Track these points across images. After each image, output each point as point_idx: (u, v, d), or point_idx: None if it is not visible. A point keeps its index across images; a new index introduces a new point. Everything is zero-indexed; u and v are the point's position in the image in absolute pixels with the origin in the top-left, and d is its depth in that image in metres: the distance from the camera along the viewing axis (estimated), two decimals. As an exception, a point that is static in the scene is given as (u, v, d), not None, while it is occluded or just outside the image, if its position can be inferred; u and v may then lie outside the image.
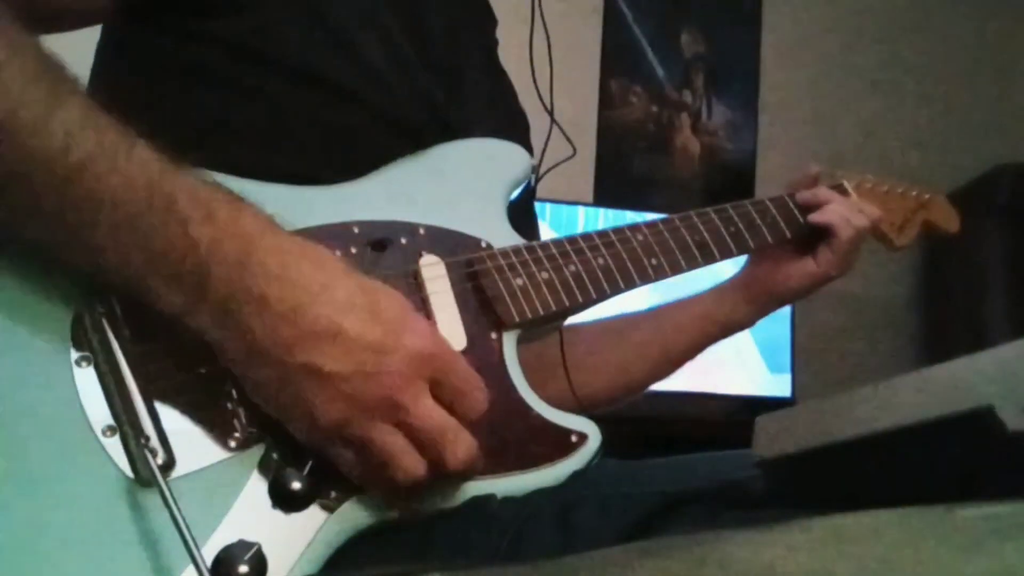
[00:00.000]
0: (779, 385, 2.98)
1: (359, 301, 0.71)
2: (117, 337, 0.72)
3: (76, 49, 0.89)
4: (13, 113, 0.68)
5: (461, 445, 0.73)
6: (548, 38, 1.13)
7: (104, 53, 0.98)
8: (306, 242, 0.74)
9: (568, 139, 1.13)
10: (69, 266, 0.72)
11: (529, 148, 1.09)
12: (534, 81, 1.14)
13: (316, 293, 0.70)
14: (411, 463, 0.71)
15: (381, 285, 0.75)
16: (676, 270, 1.01)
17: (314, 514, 0.72)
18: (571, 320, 1.08)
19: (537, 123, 1.16)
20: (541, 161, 1.12)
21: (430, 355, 0.73)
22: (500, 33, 1.20)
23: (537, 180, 1.09)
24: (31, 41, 0.73)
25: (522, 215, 1.07)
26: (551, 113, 1.14)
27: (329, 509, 0.72)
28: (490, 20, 1.19)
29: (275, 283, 0.70)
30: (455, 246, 0.89)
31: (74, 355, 0.71)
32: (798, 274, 1.14)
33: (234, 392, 0.74)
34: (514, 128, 1.11)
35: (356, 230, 0.86)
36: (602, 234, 0.98)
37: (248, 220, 0.72)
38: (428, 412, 0.72)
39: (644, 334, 1.18)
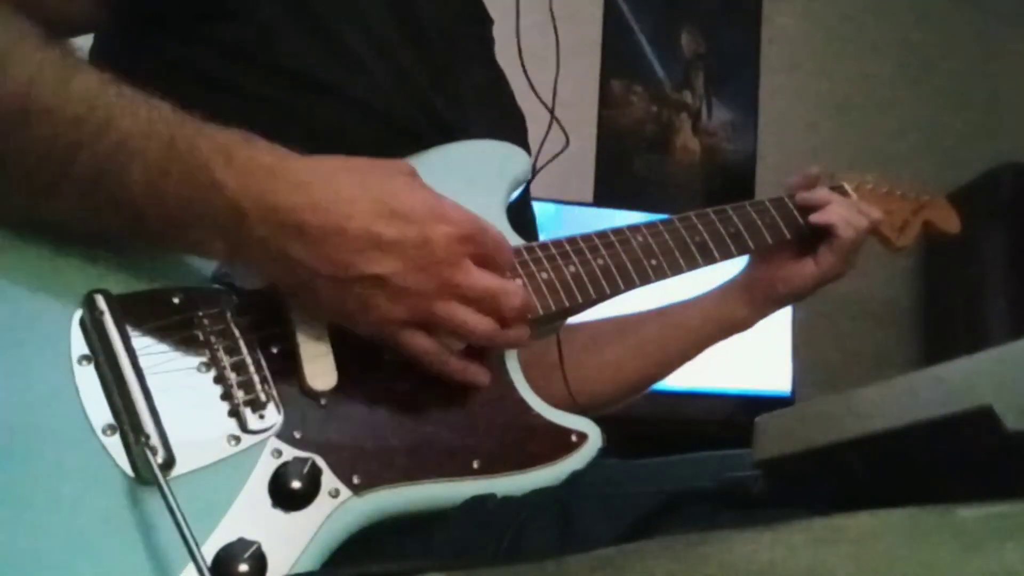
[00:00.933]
0: (779, 385, 2.98)
1: (389, 205, 0.76)
2: (118, 336, 0.72)
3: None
4: (35, 78, 0.72)
5: (512, 294, 0.81)
6: (556, 30, 1.13)
7: (98, 58, 0.97)
8: (324, 165, 0.78)
9: (563, 129, 1.13)
10: (113, 232, 0.75)
11: (527, 147, 1.09)
12: (525, 74, 1.14)
13: (347, 211, 0.75)
14: (480, 322, 0.80)
15: (404, 183, 0.80)
16: (676, 271, 1.01)
17: (314, 513, 0.72)
18: (571, 320, 1.08)
19: (534, 118, 1.16)
20: (538, 156, 1.12)
21: (465, 235, 0.79)
22: (498, 30, 1.20)
23: (533, 175, 1.08)
24: (32, 25, 0.75)
25: (519, 214, 1.07)
26: (552, 110, 1.14)
27: (330, 508, 0.72)
28: (485, 19, 1.19)
29: (307, 211, 0.74)
30: None
31: (75, 354, 0.71)
32: (798, 275, 1.14)
33: (235, 391, 0.74)
34: (512, 128, 1.11)
35: None
36: (602, 235, 0.98)
37: (265, 156, 0.76)
38: (478, 280, 0.79)
39: (644, 334, 1.18)
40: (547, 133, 1.13)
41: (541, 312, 0.90)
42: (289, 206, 0.74)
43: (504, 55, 1.19)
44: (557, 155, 1.14)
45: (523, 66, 1.13)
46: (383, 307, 0.76)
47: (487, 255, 0.81)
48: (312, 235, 0.74)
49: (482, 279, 0.80)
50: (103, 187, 0.72)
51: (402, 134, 0.96)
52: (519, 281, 0.90)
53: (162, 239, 0.76)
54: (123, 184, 0.72)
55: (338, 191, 0.76)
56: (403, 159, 0.84)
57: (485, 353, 0.85)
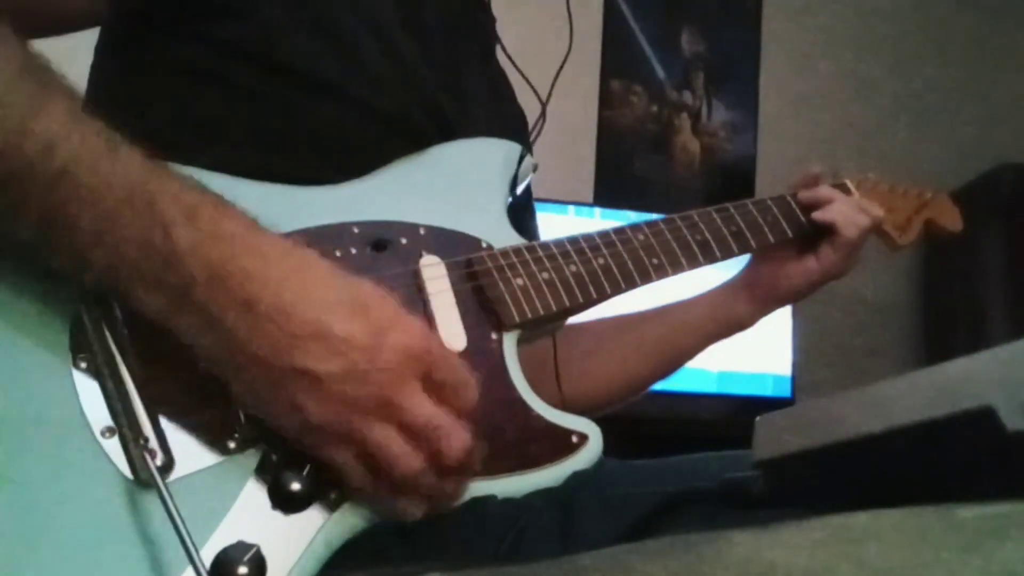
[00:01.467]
0: (779, 385, 2.98)
1: (346, 300, 0.70)
2: (116, 338, 0.72)
3: (75, 49, 0.90)
4: None
5: (456, 437, 0.71)
6: (572, 25, 1.13)
7: (103, 53, 0.98)
8: (290, 242, 0.73)
9: (537, 94, 1.12)
10: (60, 270, 0.71)
11: (528, 146, 1.09)
12: (514, 64, 1.14)
13: (301, 294, 0.69)
14: (408, 458, 0.70)
15: (368, 284, 0.73)
16: (677, 270, 1.01)
17: (313, 515, 0.71)
18: (571, 320, 1.08)
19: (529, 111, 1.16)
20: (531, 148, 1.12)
21: (420, 352, 0.71)
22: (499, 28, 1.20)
23: (519, 164, 1.07)
24: (15, 41, 0.72)
25: (521, 213, 1.07)
26: (544, 105, 1.13)
27: (329, 509, 0.72)
28: (488, 18, 1.19)
29: (259, 285, 0.68)
30: (455, 246, 0.89)
31: (73, 356, 0.71)
32: (800, 273, 1.14)
33: (233, 393, 0.74)
34: (514, 126, 1.11)
35: (356, 230, 0.86)
36: (603, 234, 0.98)
37: (230, 222, 0.71)
38: (421, 408, 0.71)
39: (645, 334, 1.18)
40: (539, 126, 1.12)
41: (542, 312, 0.90)
42: (240, 275, 0.68)
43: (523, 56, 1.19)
44: (533, 129, 1.12)
45: (510, 58, 1.13)
46: (309, 409, 0.68)
47: (443, 383, 0.73)
48: (257, 310, 0.68)
49: (426, 408, 0.71)
50: (53, 232, 0.69)
51: (405, 133, 0.95)
52: (519, 282, 0.89)
53: (106, 286, 0.71)
54: (71, 230, 0.68)
55: (299, 272, 0.71)
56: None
57: (485, 354, 0.84)
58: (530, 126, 1.16)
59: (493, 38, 1.19)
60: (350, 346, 0.69)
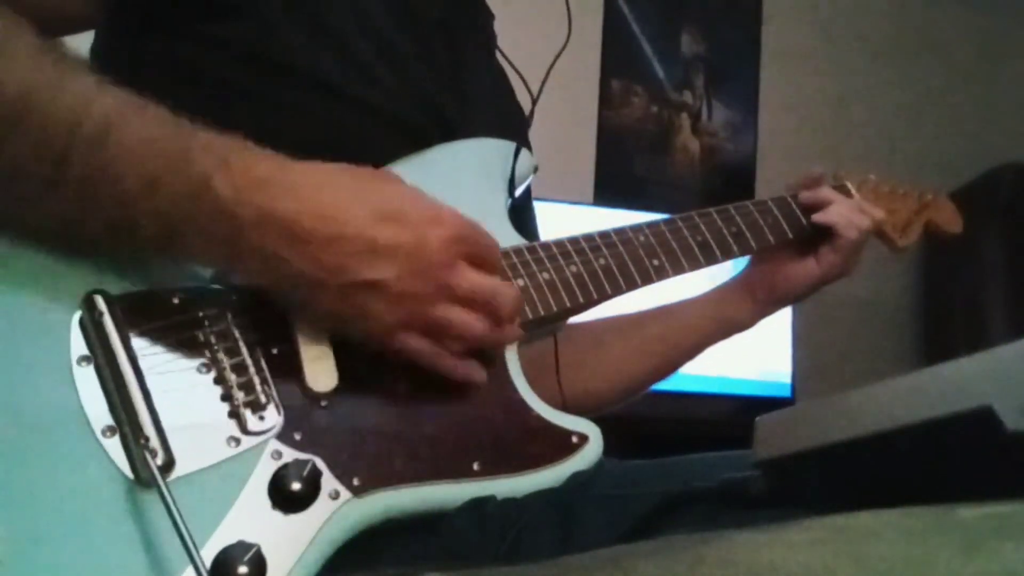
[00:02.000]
0: (779, 385, 2.98)
1: (383, 211, 0.77)
2: (117, 336, 0.72)
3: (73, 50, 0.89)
4: (29, 83, 0.71)
5: (507, 294, 0.83)
6: (570, 19, 1.12)
7: (99, 54, 0.98)
8: (320, 171, 0.78)
9: (526, 87, 1.12)
10: (106, 241, 0.74)
11: (528, 145, 1.09)
12: (507, 59, 1.14)
13: (342, 219, 0.75)
14: (476, 322, 0.80)
15: (397, 188, 0.81)
16: (678, 270, 1.01)
17: (314, 515, 0.71)
18: (572, 320, 1.08)
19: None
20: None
21: (459, 236, 0.80)
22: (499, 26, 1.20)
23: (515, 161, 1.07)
24: (28, 27, 0.75)
25: (522, 214, 1.07)
26: (535, 101, 1.13)
27: (329, 509, 0.72)
28: (486, 16, 1.19)
29: (303, 219, 0.74)
30: None
31: (74, 355, 0.71)
32: (800, 274, 1.14)
33: (234, 392, 0.74)
34: (514, 126, 1.11)
35: None
36: (603, 234, 0.98)
37: (262, 164, 0.75)
38: (474, 282, 0.80)
39: (646, 334, 1.18)
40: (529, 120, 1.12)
41: (542, 312, 0.90)
42: (285, 213, 0.74)
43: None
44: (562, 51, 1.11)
45: (503, 54, 1.13)
46: (382, 312, 0.77)
47: (480, 255, 0.82)
48: (308, 242, 0.74)
49: (476, 280, 0.80)
50: (97, 194, 0.72)
51: (404, 133, 0.96)
52: (520, 282, 0.90)
53: (158, 247, 0.76)
54: (118, 193, 0.72)
55: (334, 197, 0.76)
56: (388, 166, 0.83)
57: (485, 355, 0.84)
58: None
59: (492, 36, 1.19)
60: (399, 250, 0.76)
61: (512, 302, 0.83)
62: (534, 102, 1.09)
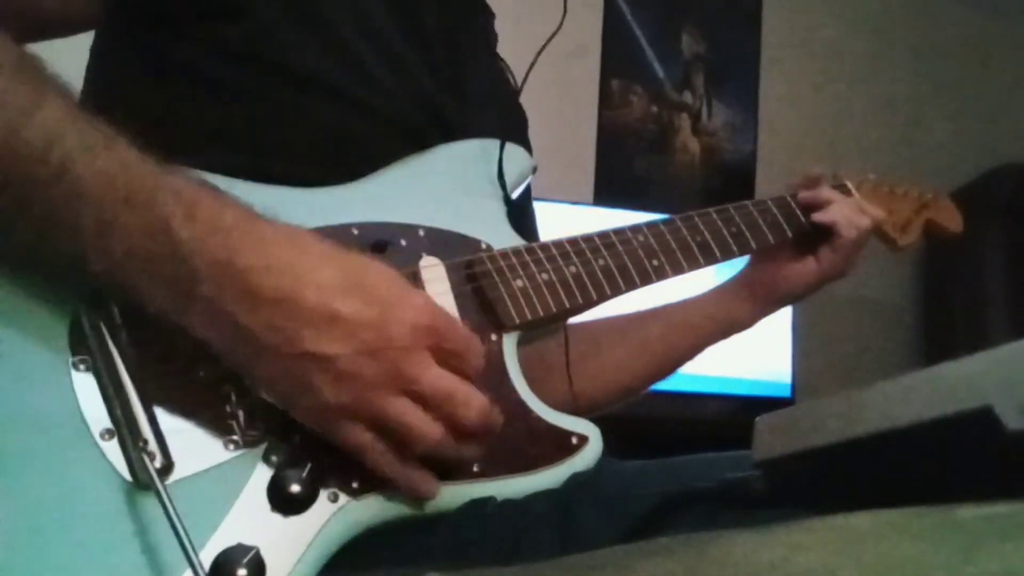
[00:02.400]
0: (779, 385, 2.98)
1: (350, 281, 0.71)
2: (115, 340, 0.71)
3: (71, 51, 0.89)
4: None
5: (474, 401, 0.73)
6: (563, 20, 1.12)
7: (98, 55, 0.98)
8: (289, 229, 0.73)
9: (512, 77, 1.11)
10: (62, 270, 0.72)
11: (528, 146, 1.09)
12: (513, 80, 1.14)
13: (304, 280, 0.70)
14: (428, 427, 0.72)
15: (369, 261, 0.75)
16: (677, 270, 1.01)
17: (313, 517, 0.71)
18: (571, 320, 1.08)
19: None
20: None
21: (427, 324, 0.73)
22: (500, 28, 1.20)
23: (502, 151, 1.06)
24: (10, 43, 0.73)
25: (521, 214, 1.06)
26: (519, 92, 1.12)
27: (329, 511, 0.72)
28: (487, 15, 1.19)
29: (263, 275, 0.69)
30: (455, 248, 0.89)
31: (72, 358, 0.71)
32: (800, 274, 1.14)
33: (233, 395, 0.74)
34: (514, 126, 1.11)
35: (355, 232, 0.86)
36: (602, 235, 0.98)
37: (230, 215, 0.71)
38: (436, 378, 0.72)
39: (646, 334, 1.18)
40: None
41: (541, 314, 0.90)
42: (243, 266, 0.69)
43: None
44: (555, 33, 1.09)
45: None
46: (325, 392, 0.70)
47: (453, 353, 0.74)
48: (262, 300, 0.69)
49: (438, 377, 0.72)
50: (52, 231, 0.70)
51: (404, 134, 0.95)
52: (519, 283, 0.89)
53: (108, 284, 0.71)
54: (72, 231, 0.69)
55: (299, 257, 0.71)
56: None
57: (485, 355, 0.84)
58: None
59: (493, 35, 1.19)
60: (358, 326, 0.70)
61: (478, 411, 0.73)
62: (523, 80, 1.08)
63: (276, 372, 0.71)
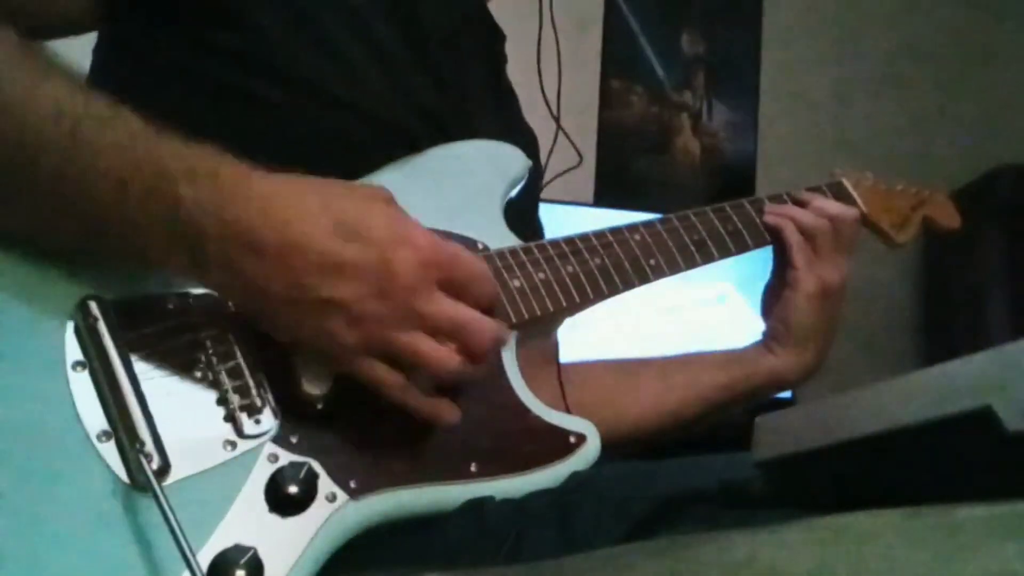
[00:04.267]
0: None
1: (351, 226, 0.73)
2: (112, 341, 0.72)
3: (73, 52, 0.89)
4: (4, 87, 0.71)
5: (485, 327, 0.76)
6: (558, 44, 1.13)
7: (100, 55, 0.98)
8: (286, 180, 0.75)
9: (575, 148, 1.12)
10: (75, 244, 0.74)
11: (538, 163, 1.09)
12: (541, 87, 1.14)
13: (306, 231, 0.72)
14: (444, 356, 0.74)
15: (368, 203, 0.76)
16: (674, 270, 1.00)
17: (311, 518, 0.71)
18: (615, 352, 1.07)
19: (543, 128, 1.16)
20: (546, 167, 1.12)
21: (431, 260, 0.75)
22: (508, 41, 1.20)
23: (542, 187, 1.08)
24: (9, 30, 0.75)
25: (526, 220, 1.06)
26: (557, 120, 1.14)
27: (327, 512, 0.72)
28: (496, 36, 1.18)
29: (265, 229, 0.71)
30: None
31: (69, 360, 0.71)
32: (795, 296, 1.07)
33: (230, 396, 0.74)
34: (522, 142, 1.09)
35: None
36: (599, 235, 0.98)
37: (227, 172, 0.73)
38: (445, 309, 0.75)
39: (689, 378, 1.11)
40: (552, 146, 1.12)
41: (539, 313, 0.89)
42: (246, 222, 0.71)
43: (513, 62, 1.19)
44: (569, 171, 1.12)
45: (539, 73, 1.13)
46: (340, 334, 0.72)
47: (460, 283, 0.77)
48: (268, 253, 0.71)
49: (448, 308, 0.75)
50: (66, 196, 0.71)
51: (401, 140, 0.96)
52: (515, 283, 0.89)
53: (124, 252, 0.74)
54: (86, 195, 0.71)
55: (299, 209, 0.73)
56: (382, 186, 0.80)
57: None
58: (541, 138, 1.15)
59: (502, 55, 1.19)
60: (363, 269, 0.72)
61: (489, 336, 0.76)
62: (558, 125, 1.09)
63: (293, 320, 0.73)
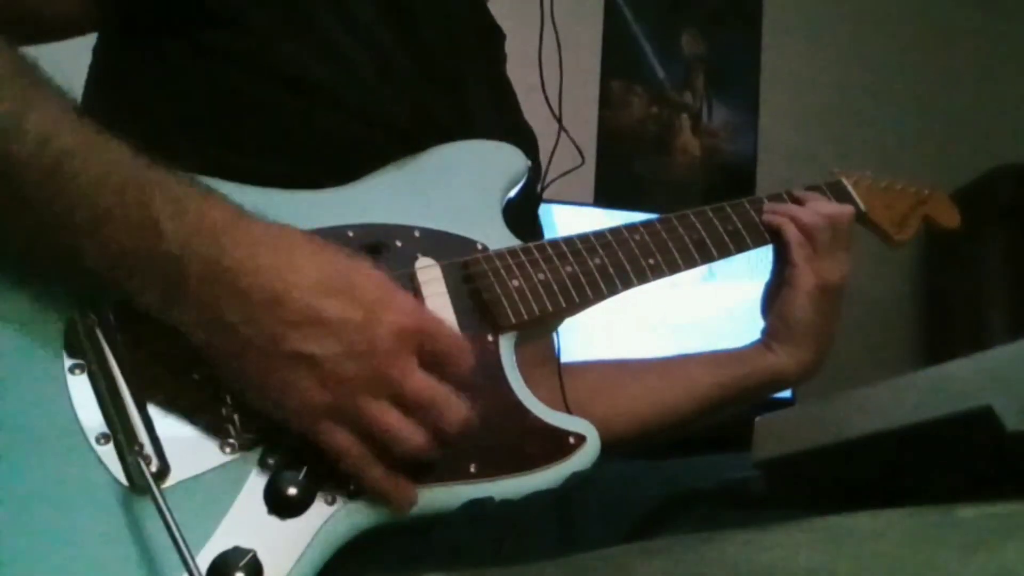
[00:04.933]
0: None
1: (336, 283, 0.71)
2: (110, 344, 0.72)
3: (72, 52, 0.89)
4: None
5: (454, 409, 0.73)
6: (559, 44, 1.13)
7: (100, 56, 0.98)
8: (277, 228, 0.74)
9: (578, 149, 1.12)
10: (58, 267, 0.72)
11: (538, 163, 1.09)
12: (543, 88, 1.14)
13: (292, 281, 0.70)
14: (410, 432, 0.72)
15: (357, 262, 0.74)
16: (674, 270, 1.00)
17: (310, 519, 0.71)
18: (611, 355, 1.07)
19: (544, 129, 1.16)
20: (548, 168, 1.12)
21: (414, 327, 0.73)
22: (508, 41, 1.20)
23: (543, 188, 1.08)
24: (3, 44, 0.74)
25: (526, 221, 1.06)
26: (559, 120, 1.14)
27: (326, 513, 0.72)
28: (496, 35, 1.18)
29: (250, 275, 0.69)
30: (451, 248, 0.89)
31: (68, 363, 0.71)
32: (795, 294, 1.07)
33: (228, 398, 0.73)
34: (521, 142, 1.09)
35: (351, 234, 0.86)
36: (599, 235, 0.97)
37: (217, 213, 0.72)
38: (419, 382, 0.72)
39: (688, 373, 1.12)
40: (555, 147, 1.12)
41: (538, 313, 0.89)
42: (230, 265, 0.69)
43: (513, 62, 1.19)
44: (570, 171, 1.12)
45: (541, 74, 1.14)
46: (308, 391, 0.70)
47: (440, 356, 0.75)
48: (248, 300, 0.69)
49: (423, 382, 0.73)
50: (47, 227, 0.70)
51: (399, 139, 0.96)
52: (515, 283, 0.89)
53: (101, 282, 0.72)
54: (66, 227, 0.70)
55: (287, 256, 0.71)
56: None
57: (482, 356, 0.84)
58: (543, 140, 1.15)
59: (502, 55, 1.19)
60: (344, 327, 0.70)
61: (459, 421, 0.74)
62: (560, 126, 1.08)
63: (261, 372, 0.70)
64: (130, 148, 0.72)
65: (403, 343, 0.72)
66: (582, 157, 1.14)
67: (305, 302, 0.70)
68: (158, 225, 0.69)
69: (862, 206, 1.18)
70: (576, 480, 0.83)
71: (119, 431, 0.69)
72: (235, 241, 0.70)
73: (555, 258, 0.93)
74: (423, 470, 0.77)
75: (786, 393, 2.95)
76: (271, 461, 0.72)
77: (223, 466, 0.71)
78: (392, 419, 0.72)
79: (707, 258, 1.03)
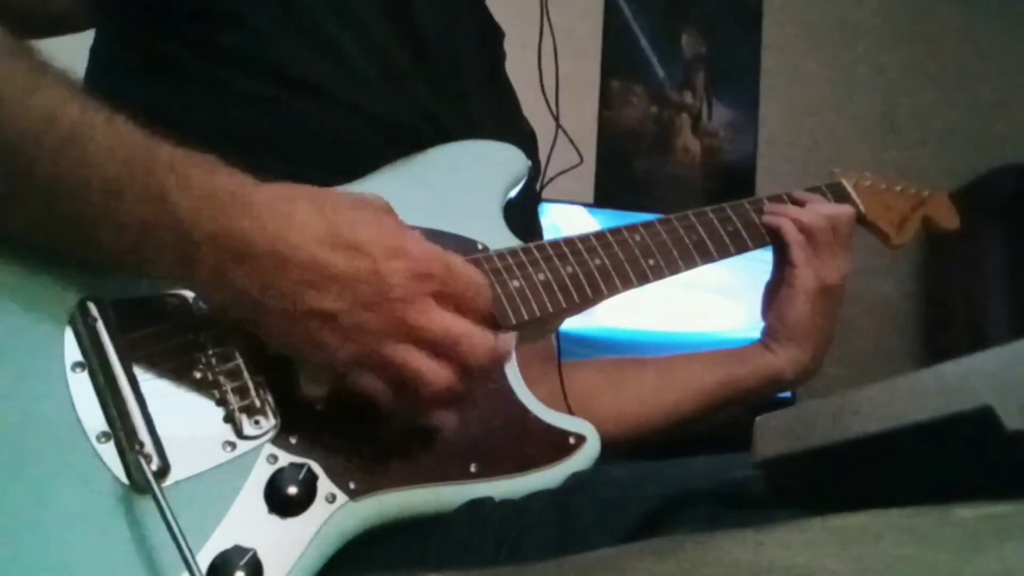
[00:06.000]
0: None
1: (343, 235, 0.72)
2: (111, 342, 0.72)
3: (72, 51, 0.89)
4: None
5: (478, 341, 0.74)
6: (555, 44, 1.13)
7: (98, 56, 0.98)
8: (280, 189, 0.74)
9: (576, 148, 1.12)
10: (65, 249, 0.73)
11: (536, 160, 1.09)
12: (542, 87, 1.14)
13: (298, 241, 0.71)
14: (436, 372, 0.73)
15: (360, 213, 0.75)
16: (674, 270, 1.00)
17: (310, 519, 0.71)
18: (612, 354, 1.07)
19: (543, 128, 1.16)
20: (547, 167, 1.12)
21: (425, 272, 0.73)
22: (507, 39, 1.20)
23: (543, 186, 1.08)
24: (4, 30, 0.74)
25: (526, 220, 1.06)
26: (557, 119, 1.14)
27: (327, 513, 0.72)
28: (495, 33, 1.18)
29: (257, 240, 0.70)
30: (451, 248, 0.89)
31: (68, 361, 0.71)
32: (793, 294, 1.08)
33: (229, 397, 0.74)
34: (521, 141, 1.09)
35: None
36: (599, 235, 0.97)
37: (221, 182, 0.72)
38: (438, 322, 0.73)
39: (689, 374, 1.12)
40: (552, 145, 1.12)
41: (539, 314, 0.89)
42: (238, 231, 0.70)
43: (512, 61, 1.19)
44: (568, 170, 1.12)
45: (540, 73, 1.14)
46: (331, 345, 0.71)
47: (456, 295, 0.75)
48: (258, 263, 0.70)
49: (443, 321, 0.73)
50: (59, 203, 0.71)
51: (399, 138, 0.96)
52: (515, 284, 0.89)
53: (116, 259, 0.73)
54: (79, 201, 0.70)
55: (293, 218, 0.72)
56: (378, 195, 0.79)
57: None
58: (541, 138, 1.15)
59: (501, 53, 1.19)
60: (355, 280, 0.71)
61: (485, 352, 0.75)
62: (557, 124, 1.09)
63: (284, 330, 0.72)
64: (136, 123, 0.73)
65: (417, 287, 0.73)
66: (580, 156, 1.14)
67: (313, 259, 0.70)
68: (166, 195, 0.70)
69: (861, 207, 1.18)
70: (576, 480, 0.83)
71: (120, 429, 0.68)
72: (240, 206, 0.71)
73: (555, 258, 0.93)
74: (423, 470, 0.77)
75: (786, 393, 2.96)
76: (271, 460, 0.72)
77: (224, 465, 0.71)
78: (417, 361, 0.72)
79: (707, 259, 1.03)
